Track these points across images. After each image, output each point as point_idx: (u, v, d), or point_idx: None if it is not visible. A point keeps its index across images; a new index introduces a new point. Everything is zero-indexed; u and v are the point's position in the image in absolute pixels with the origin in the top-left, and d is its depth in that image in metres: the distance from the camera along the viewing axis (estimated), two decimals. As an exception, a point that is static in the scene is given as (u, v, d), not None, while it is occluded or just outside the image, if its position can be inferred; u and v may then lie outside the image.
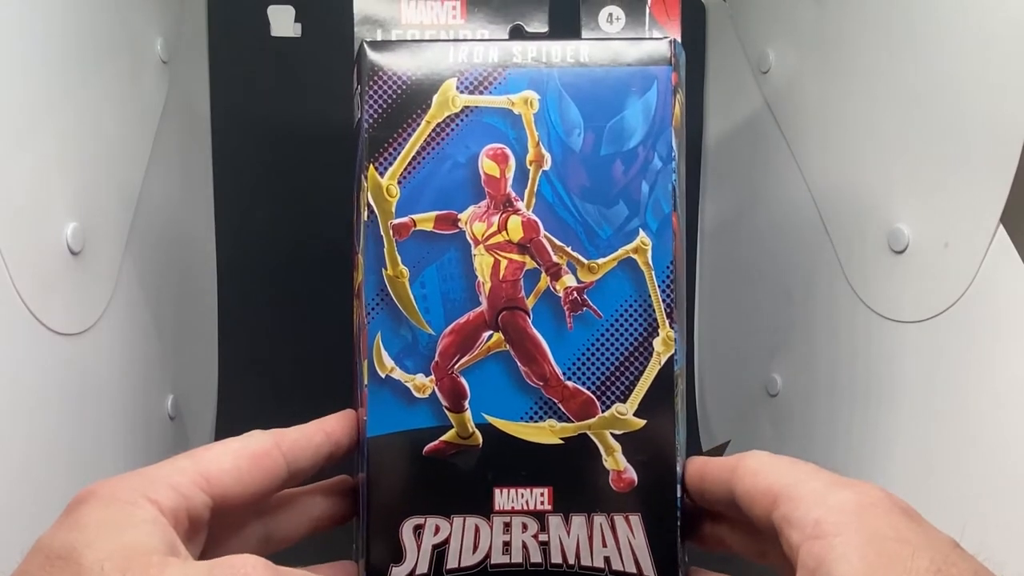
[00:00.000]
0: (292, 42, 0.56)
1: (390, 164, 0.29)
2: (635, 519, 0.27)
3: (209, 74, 0.56)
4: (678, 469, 0.28)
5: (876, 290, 0.43)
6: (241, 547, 0.26)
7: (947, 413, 0.38)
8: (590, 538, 0.27)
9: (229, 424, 0.56)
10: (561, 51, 0.29)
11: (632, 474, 0.27)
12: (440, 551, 0.28)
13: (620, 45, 0.29)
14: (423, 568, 0.27)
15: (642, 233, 0.28)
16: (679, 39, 0.32)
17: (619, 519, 0.27)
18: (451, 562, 0.27)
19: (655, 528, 0.27)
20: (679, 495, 0.28)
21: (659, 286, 0.28)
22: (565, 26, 0.32)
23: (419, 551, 0.28)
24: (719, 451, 0.60)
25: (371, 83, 0.29)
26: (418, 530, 0.28)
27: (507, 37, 0.31)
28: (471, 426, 0.28)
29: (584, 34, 0.32)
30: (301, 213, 0.56)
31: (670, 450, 0.28)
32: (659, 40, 0.30)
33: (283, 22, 0.56)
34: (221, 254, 0.57)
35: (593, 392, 0.28)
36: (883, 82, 0.42)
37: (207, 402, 0.56)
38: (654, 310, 0.28)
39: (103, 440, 0.39)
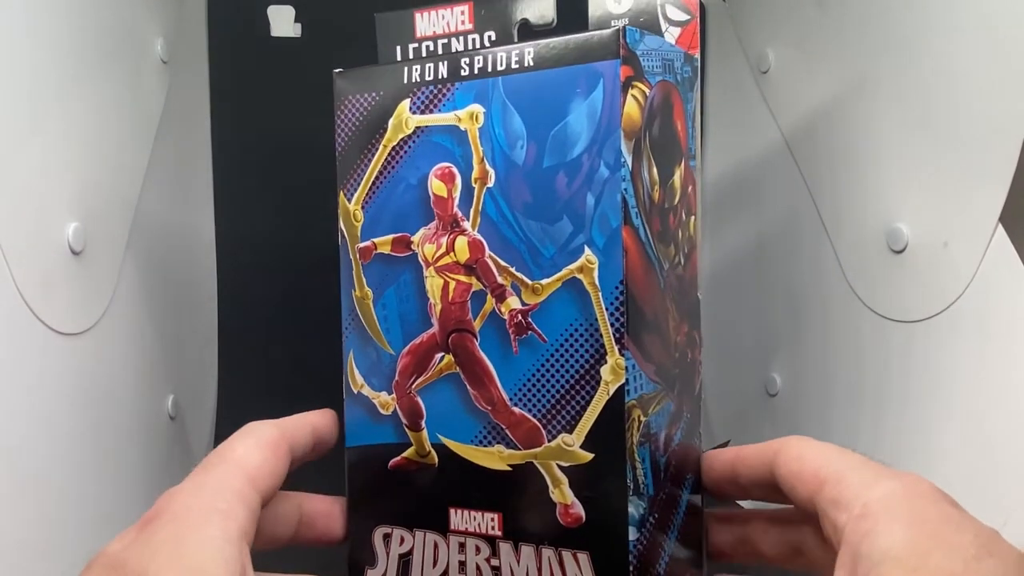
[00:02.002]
0: (292, 42, 0.56)
1: (355, 189, 0.30)
2: (583, 557, 0.25)
3: (209, 74, 0.56)
4: (632, 510, 0.25)
5: (875, 290, 0.43)
6: (272, 531, 0.27)
7: (947, 412, 0.38)
8: (539, 569, 0.26)
9: (229, 424, 0.56)
10: (506, 57, 0.27)
11: (579, 510, 0.25)
12: (406, 560, 0.28)
13: (564, 42, 0.26)
14: (392, 574, 0.28)
15: (587, 251, 0.25)
16: (697, 19, 0.29)
17: (567, 555, 0.26)
18: (415, 573, 0.28)
19: (605, 569, 0.25)
20: (633, 537, 0.25)
21: (607, 309, 0.25)
22: (574, 12, 0.31)
23: (387, 558, 0.28)
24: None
25: (339, 110, 0.30)
26: (387, 538, 0.28)
27: (515, 37, 0.30)
28: (427, 445, 0.28)
29: (591, 16, 0.30)
30: (301, 213, 0.56)
31: (620, 490, 0.25)
32: (606, 30, 0.25)
33: (283, 22, 0.56)
34: (221, 254, 0.57)
35: (539, 420, 0.26)
36: (883, 82, 0.42)
37: (207, 402, 0.56)
38: (601, 335, 0.25)
39: (103, 439, 0.39)
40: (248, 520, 0.22)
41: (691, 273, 0.28)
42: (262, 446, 0.24)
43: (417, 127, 0.28)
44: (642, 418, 0.26)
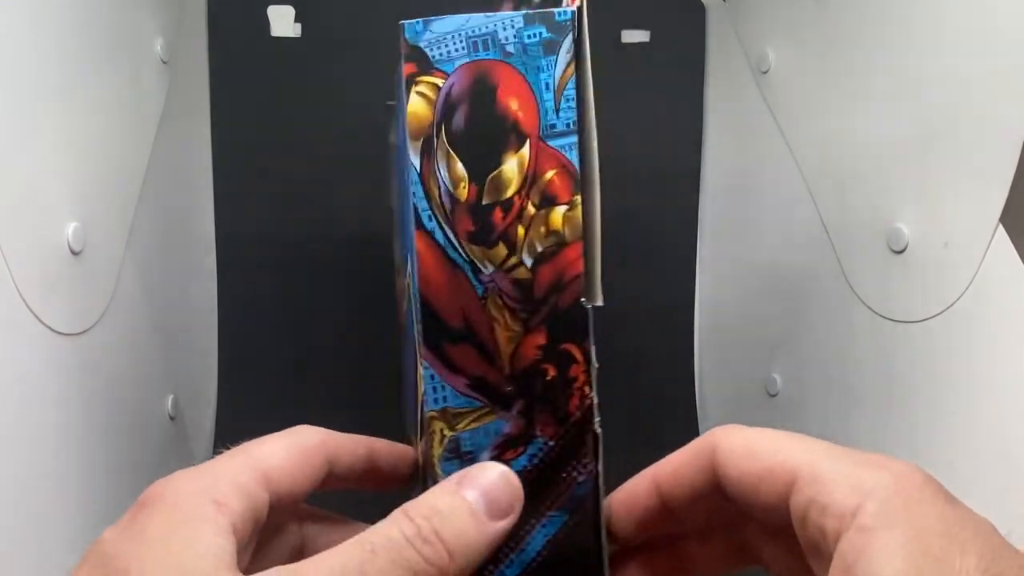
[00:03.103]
0: (292, 42, 0.56)
1: None
2: None
3: (209, 74, 0.56)
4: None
5: (876, 290, 0.43)
6: (278, 554, 0.25)
7: (947, 412, 0.38)
8: None
9: (228, 424, 0.56)
10: None
11: None
12: None
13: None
14: None
15: (408, 260, 0.25)
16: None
17: None
18: None
19: None
20: None
21: (415, 317, 0.24)
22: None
23: None
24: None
25: None
26: None
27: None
28: None
29: None
30: (301, 213, 0.56)
31: (429, 469, 0.24)
32: None
33: (283, 22, 0.56)
34: (221, 254, 0.57)
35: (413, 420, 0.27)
36: (883, 82, 0.42)
37: (207, 402, 0.56)
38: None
39: (103, 439, 0.39)
40: (246, 516, 0.21)
41: (555, 276, 0.24)
42: (292, 448, 0.23)
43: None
44: (446, 432, 0.24)
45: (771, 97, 0.53)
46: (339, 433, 0.25)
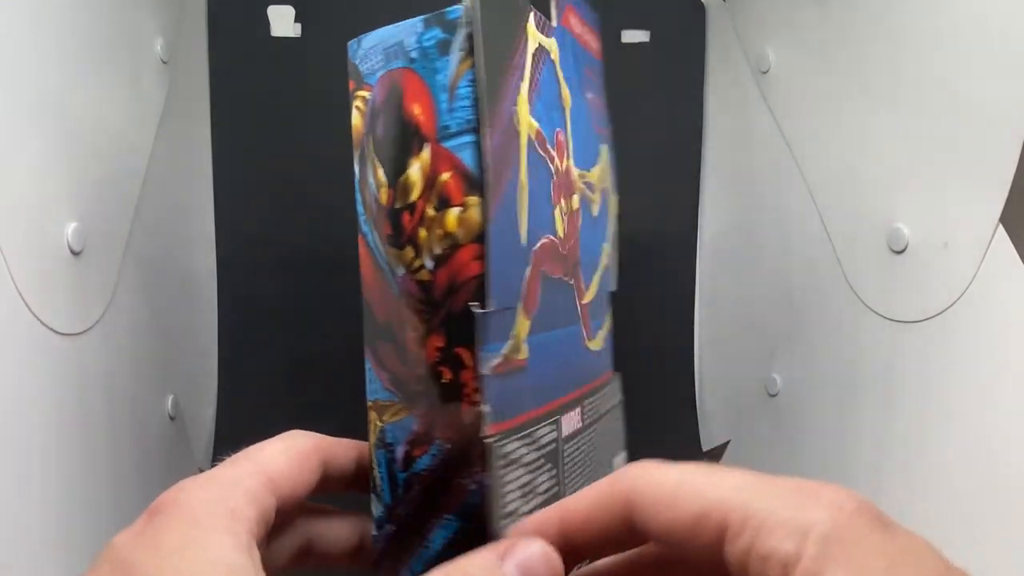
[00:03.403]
0: (292, 42, 0.56)
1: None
2: None
3: (209, 74, 0.56)
4: (372, 506, 0.24)
5: (876, 290, 0.43)
6: (285, 552, 0.25)
7: (947, 412, 0.38)
8: None
9: (229, 424, 0.56)
10: None
11: None
12: None
13: None
14: None
15: None
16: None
17: None
18: None
19: None
20: (372, 532, 0.25)
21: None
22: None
23: None
24: (719, 451, 0.60)
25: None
26: None
27: None
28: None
29: None
30: (301, 212, 0.56)
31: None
32: None
33: (283, 22, 0.56)
34: (221, 254, 0.57)
35: None
36: (883, 82, 0.42)
37: (207, 402, 0.56)
38: None
39: (103, 439, 0.39)
40: (259, 522, 0.22)
41: (450, 278, 0.23)
42: (290, 452, 0.24)
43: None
44: (377, 423, 0.25)
45: (771, 97, 0.53)
46: (330, 437, 0.25)
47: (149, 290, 0.46)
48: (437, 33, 0.23)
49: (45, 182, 0.35)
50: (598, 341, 0.31)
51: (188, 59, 0.54)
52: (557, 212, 0.27)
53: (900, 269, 0.41)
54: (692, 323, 0.61)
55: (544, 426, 0.25)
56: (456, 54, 0.23)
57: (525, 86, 0.25)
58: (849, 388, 0.45)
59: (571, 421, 0.27)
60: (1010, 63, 0.34)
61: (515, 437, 0.24)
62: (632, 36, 0.58)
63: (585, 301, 0.30)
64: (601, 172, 0.33)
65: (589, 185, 0.31)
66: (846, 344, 0.46)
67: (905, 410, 0.40)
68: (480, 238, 0.23)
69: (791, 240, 0.51)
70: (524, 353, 0.24)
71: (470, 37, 0.23)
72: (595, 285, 0.31)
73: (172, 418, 0.49)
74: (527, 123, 0.25)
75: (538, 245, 0.25)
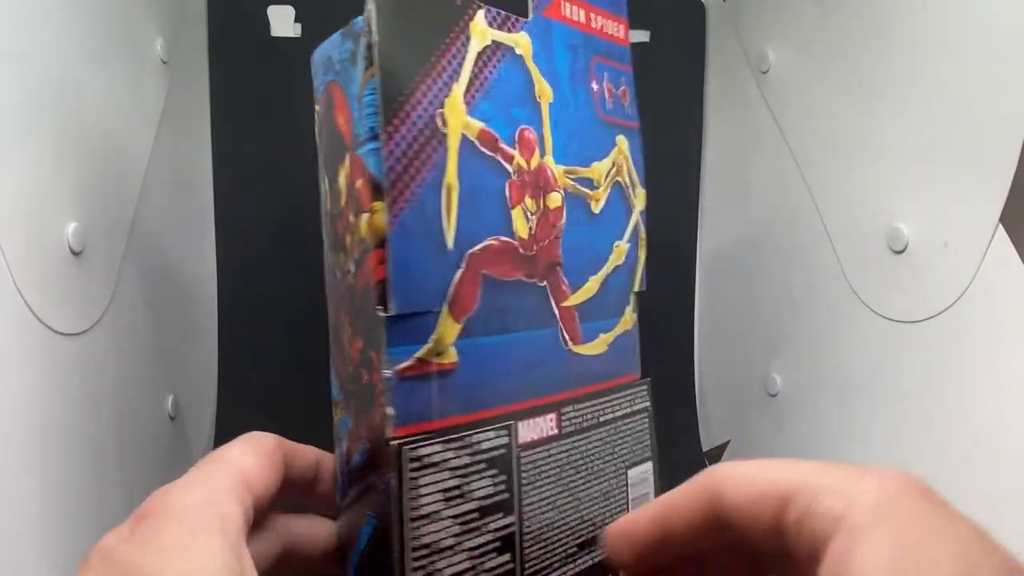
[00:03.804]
0: (292, 42, 0.56)
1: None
2: None
3: (209, 74, 0.56)
4: None
5: (876, 290, 0.43)
6: (267, 552, 0.25)
7: (947, 412, 0.38)
8: None
9: (229, 424, 0.56)
10: None
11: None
12: None
13: None
14: None
15: None
16: None
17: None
18: None
19: None
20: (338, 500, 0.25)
21: None
22: None
23: None
24: (719, 451, 0.60)
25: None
26: None
27: None
28: None
29: None
30: (301, 212, 0.56)
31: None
32: None
33: (283, 22, 0.56)
34: (221, 254, 0.57)
35: None
36: (883, 82, 0.42)
37: (207, 402, 0.56)
38: None
39: (103, 439, 0.39)
40: (244, 520, 0.22)
41: (364, 282, 0.24)
42: (258, 451, 0.24)
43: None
44: (335, 416, 0.26)
45: (771, 97, 0.53)
46: (288, 440, 0.26)
47: (149, 290, 0.46)
48: (349, 45, 0.24)
49: (45, 182, 0.35)
50: (596, 345, 0.30)
51: (188, 59, 0.54)
52: (517, 212, 0.27)
53: (900, 269, 0.41)
54: (692, 323, 0.61)
55: (485, 431, 0.25)
56: (360, 63, 0.24)
57: (460, 87, 0.25)
58: (849, 388, 0.45)
59: (536, 427, 0.27)
60: (1010, 63, 0.34)
61: (435, 441, 0.23)
62: (632, 36, 0.58)
63: (569, 303, 0.29)
64: (611, 165, 0.31)
65: (584, 181, 0.30)
66: (846, 344, 0.46)
67: (905, 410, 0.40)
68: (384, 243, 0.23)
69: (791, 240, 0.51)
70: (452, 357, 0.24)
71: (370, 46, 0.23)
72: (593, 285, 0.30)
73: (172, 418, 0.49)
74: (461, 124, 0.25)
75: (478, 247, 0.25)
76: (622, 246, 0.31)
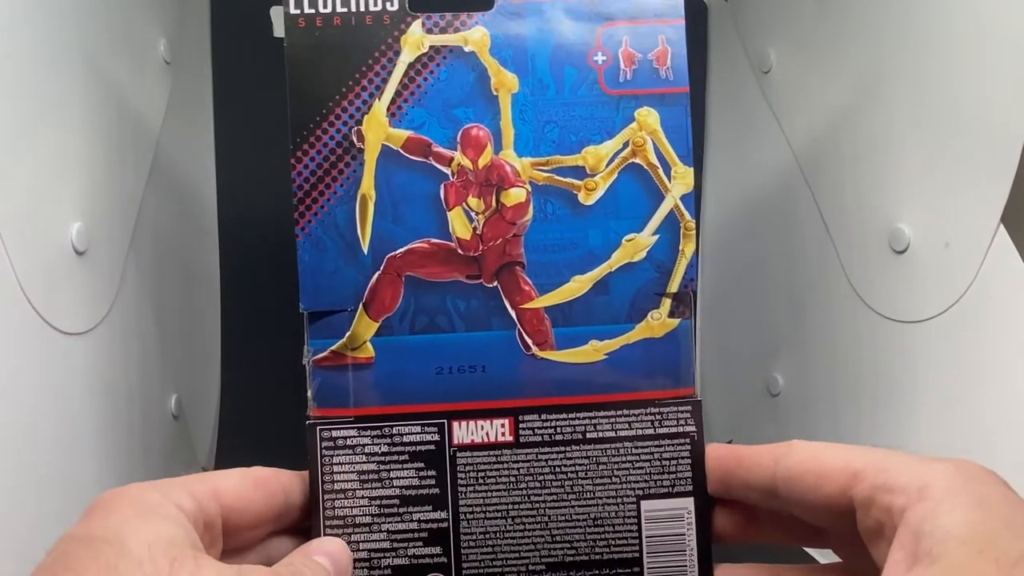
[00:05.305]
0: (295, 43, 0.56)
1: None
2: None
3: (212, 75, 0.56)
4: None
5: (877, 290, 0.43)
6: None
7: (947, 412, 0.38)
8: None
9: (232, 423, 0.56)
10: None
11: None
12: None
13: None
14: None
15: None
16: None
17: None
18: None
19: None
20: None
21: None
22: None
23: None
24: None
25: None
26: None
27: None
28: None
29: None
30: (304, 213, 0.56)
31: None
32: None
33: (286, 23, 0.56)
34: (224, 253, 0.57)
35: None
36: (884, 82, 0.42)
37: (210, 401, 0.56)
38: None
39: (107, 438, 0.39)
40: (198, 516, 0.22)
41: None
42: (246, 475, 0.25)
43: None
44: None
45: (772, 97, 0.53)
46: (297, 473, 0.27)
47: (153, 290, 0.46)
48: None
49: (49, 182, 0.35)
50: (583, 353, 0.27)
51: (191, 60, 0.54)
52: (456, 214, 0.27)
53: (901, 269, 0.41)
54: (693, 322, 0.61)
55: (407, 424, 0.27)
56: None
57: (382, 102, 0.27)
58: (851, 388, 0.45)
59: (478, 430, 0.27)
60: (1011, 63, 0.34)
61: (350, 426, 0.27)
62: (634, 36, 0.58)
63: (533, 305, 0.27)
64: (619, 147, 0.29)
65: (567, 171, 0.28)
66: (848, 344, 0.46)
67: (906, 409, 0.40)
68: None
69: (792, 240, 0.51)
70: (368, 352, 0.27)
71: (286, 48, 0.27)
72: (579, 286, 0.28)
73: (175, 417, 0.50)
74: (382, 136, 0.27)
75: (400, 251, 0.27)
76: (640, 240, 0.28)
